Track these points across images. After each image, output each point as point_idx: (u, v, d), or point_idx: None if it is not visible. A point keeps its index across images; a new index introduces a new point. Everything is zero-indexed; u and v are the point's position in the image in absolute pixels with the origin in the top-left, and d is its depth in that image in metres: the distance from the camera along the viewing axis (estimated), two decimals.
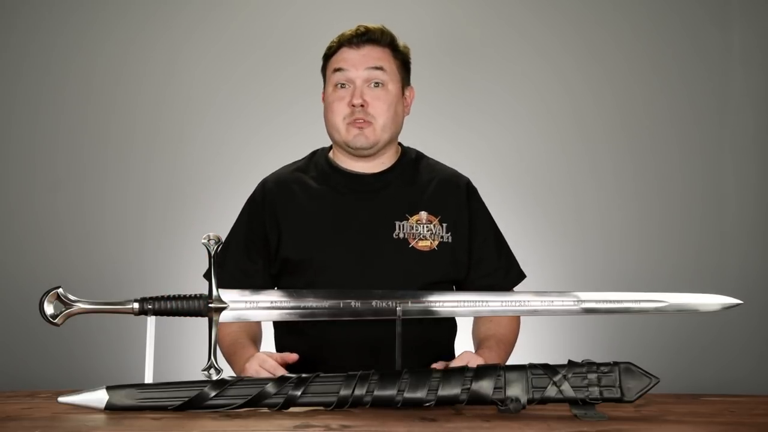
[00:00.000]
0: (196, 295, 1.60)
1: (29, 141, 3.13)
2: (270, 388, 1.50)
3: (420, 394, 1.49)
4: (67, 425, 1.42)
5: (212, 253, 1.59)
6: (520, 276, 2.04)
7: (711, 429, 1.45)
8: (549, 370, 1.51)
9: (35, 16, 3.15)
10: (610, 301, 1.68)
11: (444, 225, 1.96)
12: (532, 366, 1.52)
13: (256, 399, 1.50)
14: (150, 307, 1.57)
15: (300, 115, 2.82)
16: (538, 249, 2.97)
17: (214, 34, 3.18)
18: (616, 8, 3.18)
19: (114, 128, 3.14)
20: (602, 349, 2.89)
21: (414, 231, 1.94)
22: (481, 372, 1.51)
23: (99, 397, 1.49)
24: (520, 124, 3.16)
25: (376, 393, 1.50)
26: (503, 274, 2.01)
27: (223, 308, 1.61)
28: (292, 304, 1.67)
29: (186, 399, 1.49)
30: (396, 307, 1.66)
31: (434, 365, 1.73)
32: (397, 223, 1.94)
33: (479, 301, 1.71)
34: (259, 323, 2.01)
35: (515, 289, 2.02)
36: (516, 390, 1.49)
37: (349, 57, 1.96)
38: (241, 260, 1.98)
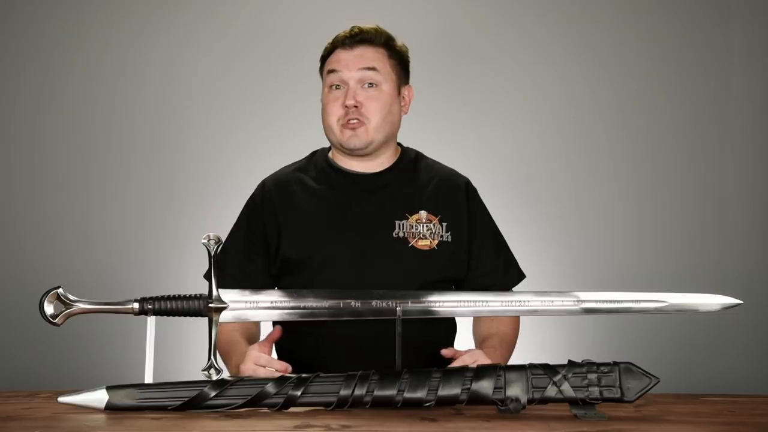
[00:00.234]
0: (196, 295, 1.60)
1: (29, 141, 3.13)
2: (270, 388, 1.50)
3: (420, 394, 1.49)
4: (67, 425, 1.42)
5: (212, 253, 1.59)
6: (520, 276, 2.04)
7: (711, 429, 1.45)
8: (549, 370, 1.51)
9: (35, 16, 3.15)
10: (610, 301, 1.68)
11: (443, 224, 1.96)
12: (532, 366, 1.52)
13: (256, 399, 1.50)
14: (150, 307, 1.57)
15: (300, 115, 2.82)
16: (538, 249, 2.96)
17: (214, 35, 3.18)
18: (617, 9, 3.18)
19: (114, 128, 3.14)
20: (602, 349, 2.88)
21: (414, 230, 1.94)
22: (481, 372, 1.51)
23: (99, 397, 1.49)
24: (520, 124, 3.16)
25: (376, 393, 1.50)
26: (502, 273, 2.02)
27: (223, 308, 1.61)
28: (292, 304, 1.67)
29: (186, 399, 1.49)
30: (396, 307, 1.66)
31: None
32: (397, 222, 1.94)
33: (479, 301, 1.71)
34: (257, 323, 2.01)
35: (515, 289, 2.02)
36: (516, 390, 1.49)
37: (342, 58, 1.96)
38: (241, 260, 1.98)
